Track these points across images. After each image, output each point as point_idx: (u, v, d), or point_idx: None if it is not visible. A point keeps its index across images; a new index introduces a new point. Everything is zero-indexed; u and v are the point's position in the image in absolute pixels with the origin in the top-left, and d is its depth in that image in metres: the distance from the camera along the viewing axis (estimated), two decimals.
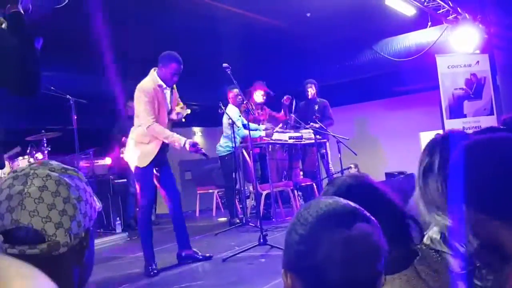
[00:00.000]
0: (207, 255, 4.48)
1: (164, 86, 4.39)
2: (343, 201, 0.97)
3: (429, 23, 7.20)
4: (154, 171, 4.48)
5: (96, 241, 5.98)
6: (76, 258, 1.01)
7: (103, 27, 6.12)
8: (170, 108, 4.50)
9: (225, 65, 4.92)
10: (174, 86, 4.56)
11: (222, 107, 6.02)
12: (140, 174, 4.36)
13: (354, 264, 0.88)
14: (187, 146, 4.30)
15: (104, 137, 7.37)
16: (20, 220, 0.94)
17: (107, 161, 7.30)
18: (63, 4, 5.03)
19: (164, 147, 4.47)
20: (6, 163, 5.45)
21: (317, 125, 6.74)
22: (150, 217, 4.58)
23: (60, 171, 1.02)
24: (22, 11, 1.67)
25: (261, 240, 4.39)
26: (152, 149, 4.34)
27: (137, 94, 4.34)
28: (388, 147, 9.41)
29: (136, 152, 4.35)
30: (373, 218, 0.96)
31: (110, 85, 6.93)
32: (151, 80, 4.36)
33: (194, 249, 4.53)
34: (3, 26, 1.64)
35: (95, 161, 6.97)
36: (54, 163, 1.05)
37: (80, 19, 5.76)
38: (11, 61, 1.51)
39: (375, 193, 1.30)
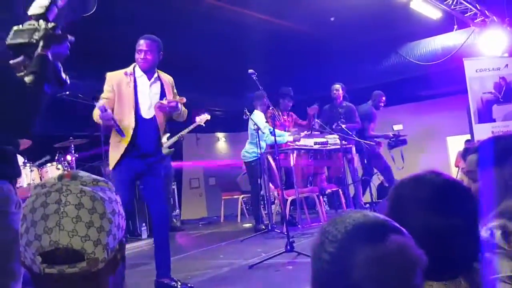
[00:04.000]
0: (189, 285, 3.74)
1: (140, 74, 3.70)
2: (370, 213, 0.93)
3: (456, 26, 7.10)
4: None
5: None
6: (112, 270, 1.01)
7: (130, 35, 6.19)
8: (151, 102, 3.70)
9: (250, 71, 4.92)
10: (167, 78, 3.85)
11: (247, 113, 6.01)
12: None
13: (392, 280, 0.84)
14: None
15: None
16: (60, 241, 0.92)
17: None
18: (91, 12, 5.11)
19: (144, 156, 3.67)
20: (35, 169, 5.55)
21: (336, 136, 6.62)
22: None
23: (91, 184, 1.00)
24: (50, 57, 1.64)
25: (288, 247, 4.35)
26: (115, 152, 3.66)
27: None
28: (414, 151, 9.26)
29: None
30: (403, 228, 0.92)
31: None
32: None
33: (175, 278, 3.74)
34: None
35: None
36: (84, 174, 1.03)
37: (107, 27, 5.86)
38: (10, 97, 1.49)
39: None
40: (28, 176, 5.39)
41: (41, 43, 1.60)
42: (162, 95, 3.75)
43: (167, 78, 3.86)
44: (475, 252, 1.21)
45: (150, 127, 3.69)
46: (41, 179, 5.70)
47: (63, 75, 1.75)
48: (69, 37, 1.73)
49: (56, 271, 0.92)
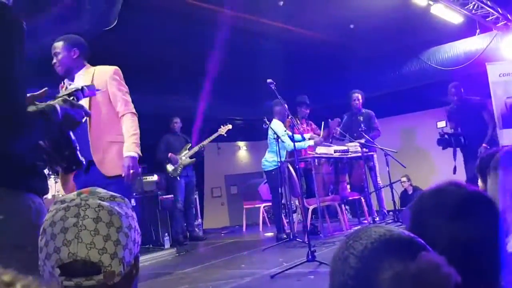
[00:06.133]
0: None
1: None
2: (394, 228, 0.91)
3: (478, 31, 7.00)
4: None
5: (146, 257, 6.06)
6: (128, 285, 1.03)
7: (147, 45, 6.29)
8: None
9: (269, 80, 4.93)
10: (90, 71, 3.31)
11: (267, 122, 6.03)
12: None
13: None
14: None
15: (152, 154, 7.52)
16: (78, 254, 0.95)
17: (155, 177, 7.44)
18: (111, 27, 5.20)
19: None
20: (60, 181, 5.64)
21: (362, 140, 6.63)
22: None
23: (109, 199, 1.03)
24: (59, 109, 1.60)
25: (310, 257, 4.33)
26: None
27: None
28: (437, 158, 9.13)
29: None
30: (428, 246, 0.90)
31: (154, 102, 7.09)
32: None
33: None
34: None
35: (144, 177, 7.11)
36: (101, 191, 1.06)
37: (125, 39, 5.95)
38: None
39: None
40: (52, 187, 5.49)
41: (55, 100, 1.61)
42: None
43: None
44: (499, 267, 1.18)
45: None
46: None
47: (80, 156, 1.66)
48: (86, 109, 1.69)
49: (74, 284, 0.95)
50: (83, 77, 3.25)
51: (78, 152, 1.65)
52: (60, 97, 1.62)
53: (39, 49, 4.88)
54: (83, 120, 1.67)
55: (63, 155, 1.62)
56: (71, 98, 1.66)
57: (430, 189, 1.23)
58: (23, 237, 1.40)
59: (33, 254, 1.39)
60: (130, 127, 3.17)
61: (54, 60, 3.26)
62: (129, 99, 3.28)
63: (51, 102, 1.58)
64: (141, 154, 3.19)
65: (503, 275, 1.17)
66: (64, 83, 3.29)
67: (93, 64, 3.39)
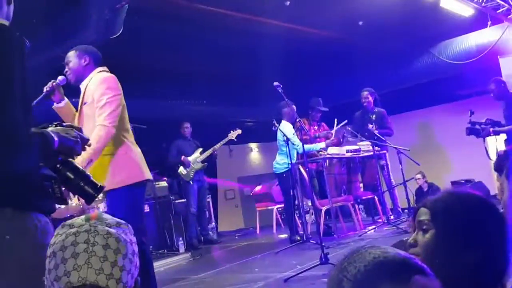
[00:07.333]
0: None
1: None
2: (390, 249, 0.88)
3: (489, 23, 6.88)
4: None
5: (161, 262, 6.07)
6: None
7: (157, 51, 6.30)
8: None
9: (276, 83, 4.90)
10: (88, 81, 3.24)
11: (276, 124, 5.99)
12: None
13: None
14: None
15: (163, 159, 7.55)
16: (87, 278, 1.01)
17: (167, 182, 7.47)
18: (118, 34, 5.22)
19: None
20: None
21: (368, 143, 6.51)
22: None
23: (115, 226, 1.10)
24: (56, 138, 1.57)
25: (323, 259, 4.29)
26: None
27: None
28: (453, 153, 9.01)
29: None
30: (426, 266, 0.87)
31: (165, 108, 7.11)
32: None
33: None
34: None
35: (156, 183, 7.13)
36: (108, 217, 1.12)
37: (134, 46, 5.97)
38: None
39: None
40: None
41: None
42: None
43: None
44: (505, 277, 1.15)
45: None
46: (79, 200, 5.84)
47: (89, 190, 1.58)
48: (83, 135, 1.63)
49: None
50: (82, 87, 3.24)
51: (91, 178, 1.58)
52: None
53: (46, 60, 4.93)
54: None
55: (78, 187, 1.56)
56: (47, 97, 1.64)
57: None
58: (28, 257, 1.41)
59: (38, 274, 1.39)
60: (93, 139, 2.84)
61: (66, 69, 3.27)
62: (108, 109, 3.03)
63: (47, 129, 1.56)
64: (84, 165, 2.79)
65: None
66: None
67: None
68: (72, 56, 3.27)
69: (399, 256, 0.87)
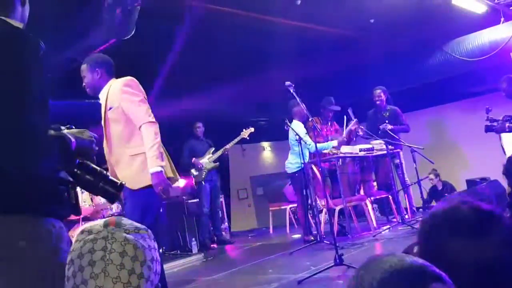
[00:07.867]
0: None
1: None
2: (407, 257, 0.87)
3: (502, 19, 6.79)
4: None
5: (174, 263, 6.06)
6: None
7: (168, 51, 6.31)
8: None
9: (287, 83, 4.87)
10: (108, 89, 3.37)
11: (288, 123, 5.96)
12: None
13: None
14: None
15: (175, 159, 7.55)
16: (104, 287, 1.01)
17: (180, 183, 7.46)
18: (130, 35, 5.22)
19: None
20: None
21: (382, 142, 6.43)
22: None
23: (134, 232, 1.09)
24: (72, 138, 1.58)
25: (337, 260, 4.26)
26: None
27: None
28: (467, 151, 8.90)
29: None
30: (443, 274, 0.85)
31: (177, 108, 7.10)
32: None
33: None
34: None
35: None
36: (127, 222, 1.11)
37: (146, 46, 5.97)
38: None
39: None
40: (79, 197, 5.55)
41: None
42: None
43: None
44: None
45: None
46: (92, 200, 5.86)
47: (110, 189, 1.58)
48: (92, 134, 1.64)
49: None
50: (102, 96, 3.36)
51: (110, 177, 1.59)
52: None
53: (57, 62, 4.95)
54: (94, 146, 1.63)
55: (99, 188, 1.57)
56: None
57: (442, 208, 1.18)
58: (43, 263, 1.41)
59: (53, 280, 1.38)
60: (147, 139, 3.14)
61: (84, 83, 3.41)
62: (144, 108, 3.22)
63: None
64: (163, 164, 3.17)
65: None
66: None
67: (116, 71, 3.48)
68: (85, 71, 3.39)
69: (416, 264, 0.86)
